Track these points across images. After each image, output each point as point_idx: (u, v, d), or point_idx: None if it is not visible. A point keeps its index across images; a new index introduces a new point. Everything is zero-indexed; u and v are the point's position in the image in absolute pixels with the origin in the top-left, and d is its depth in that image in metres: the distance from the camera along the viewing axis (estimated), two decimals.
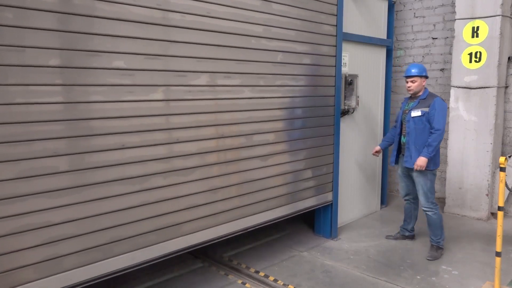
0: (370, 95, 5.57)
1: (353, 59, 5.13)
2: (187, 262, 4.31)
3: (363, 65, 5.36)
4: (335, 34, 4.64)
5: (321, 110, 4.57)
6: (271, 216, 4.14)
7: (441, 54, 6.35)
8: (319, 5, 4.40)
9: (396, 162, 4.66)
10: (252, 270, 4.09)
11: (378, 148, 4.85)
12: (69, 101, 2.64)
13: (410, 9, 6.62)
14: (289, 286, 3.77)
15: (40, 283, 2.59)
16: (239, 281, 3.87)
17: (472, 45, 5.47)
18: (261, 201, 4.00)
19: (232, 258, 4.38)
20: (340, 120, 4.85)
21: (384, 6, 5.69)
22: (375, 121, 5.77)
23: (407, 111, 4.40)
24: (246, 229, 3.89)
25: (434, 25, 6.39)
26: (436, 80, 6.42)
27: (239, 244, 4.75)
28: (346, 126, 5.16)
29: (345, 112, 5.05)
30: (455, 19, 5.63)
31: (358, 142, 5.47)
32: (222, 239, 3.68)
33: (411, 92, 4.39)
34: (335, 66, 4.69)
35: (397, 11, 6.63)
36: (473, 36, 5.46)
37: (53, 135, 2.58)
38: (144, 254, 3.12)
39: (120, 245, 2.97)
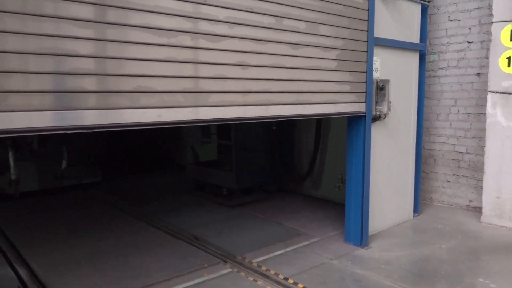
0: (402, 100, 5.45)
1: (384, 64, 5.04)
2: (216, 266, 4.33)
3: (395, 70, 5.26)
4: (366, 39, 4.60)
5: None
6: (301, 111, 4.02)
7: (477, 58, 6.14)
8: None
9: None
10: (281, 276, 4.06)
11: None
12: None
13: (444, 13, 6.46)
14: None
15: (71, 114, 2.59)
16: None
17: (510, 48, 5.27)
18: (290, 92, 3.92)
19: (261, 264, 4.37)
20: (371, 126, 4.77)
21: (417, 10, 5.57)
22: (408, 127, 5.63)
23: None
24: (275, 118, 3.81)
25: (470, 28, 6.20)
26: (472, 85, 6.21)
27: (268, 250, 4.74)
28: (377, 132, 5.06)
29: (376, 118, 4.96)
30: (492, 22, 5.44)
31: (390, 148, 5.35)
32: (249, 121, 3.61)
33: None
34: (366, 71, 4.65)
35: (430, 14, 6.48)
36: (511, 39, 5.26)
37: None
38: (171, 114, 3.07)
39: (147, 97, 2.93)
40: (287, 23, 3.82)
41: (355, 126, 4.84)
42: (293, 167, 7.54)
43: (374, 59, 4.81)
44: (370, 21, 4.63)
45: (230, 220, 5.95)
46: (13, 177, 6.53)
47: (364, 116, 4.75)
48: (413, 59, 5.60)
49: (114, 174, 9.35)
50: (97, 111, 2.71)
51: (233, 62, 3.44)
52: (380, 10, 4.87)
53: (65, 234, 5.44)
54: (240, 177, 6.80)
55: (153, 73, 2.96)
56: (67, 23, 2.54)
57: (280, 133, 7.32)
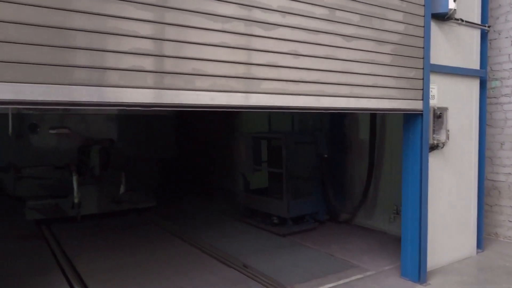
0: (462, 129, 5.20)
1: (442, 91, 4.87)
2: None
3: (454, 97, 5.06)
4: (422, 66, 4.51)
5: None
6: (354, 104, 3.97)
7: None
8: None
9: None
10: None
11: None
12: None
13: (507, 37, 6.17)
14: None
15: (130, 91, 2.72)
16: None
17: None
18: (344, 84, 3.87)
19: None
20: (428, 156, 4.58)
21: (476, 35, 5.37)
22: (469, 156, 5.34)
23: None
24: (327, 109, 3.77)
25: None
26: None
27: (319, 282, 4.60)
28: (435, 162, 4.84)
29: (434, 147, 4.76)
30: None
31: (449, 178, 5.08)
32: (301, 111, 3.56)
33: None
34: (422, 99, 4.53)
35: (491, 39, 6.22)
36: None
37: None
38: (223, 98, 3.14)
39: (201, 80, 3.02)
40: (340, 14, 3.85)
41: (411, 126, 4.65)
42: (345, 196, 7.35)
43: (431, 86, 4.67)
44: (426, 48, 4.53)
45: (280, 249, 5.88)
46: (76, 200, 6.91)
47: (421, 114, 4.56)
48: (473, 85, 5.37)
49: (168, 199, 9.62)
50: (154, 90, 2.85)
51: (285, 50, 3.49)
52: (436, 36, 4.76)
53: (120, 256, 5.63)
54: (291, 206, 6.73)
55: (207, 57, 3.07)
56: (129, 5, 2.71)
57: (332, 161, 7.21)
